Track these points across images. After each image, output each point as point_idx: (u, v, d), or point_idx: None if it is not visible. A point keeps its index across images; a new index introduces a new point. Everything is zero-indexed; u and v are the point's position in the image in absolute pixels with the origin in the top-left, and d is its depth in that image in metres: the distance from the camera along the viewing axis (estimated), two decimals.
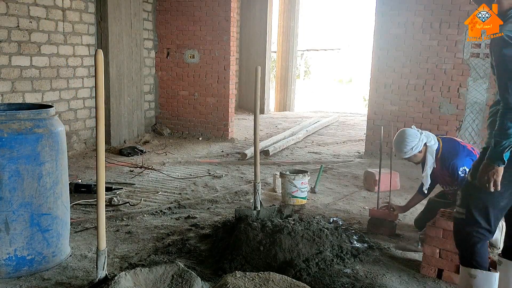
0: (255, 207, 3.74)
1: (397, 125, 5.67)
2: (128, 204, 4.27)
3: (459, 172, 3.35)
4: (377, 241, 3.61)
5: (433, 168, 3.53)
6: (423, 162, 3.59)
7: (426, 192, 3.71)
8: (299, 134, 8.16)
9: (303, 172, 4.62)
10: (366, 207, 4.38)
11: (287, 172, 4.61)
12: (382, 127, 4.06)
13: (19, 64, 5.42)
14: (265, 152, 6.60)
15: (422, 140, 3.46)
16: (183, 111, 8.01)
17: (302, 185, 4.45)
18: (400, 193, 4.86)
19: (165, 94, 8.13)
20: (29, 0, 5.45)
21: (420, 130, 3.54)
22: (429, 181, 3.56)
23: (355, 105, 14.92)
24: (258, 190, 3.72)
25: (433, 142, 3.48)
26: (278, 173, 5.04)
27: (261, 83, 11.26)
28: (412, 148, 3.45)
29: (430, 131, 3.70)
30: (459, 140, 3.64)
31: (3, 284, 2.77)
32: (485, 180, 2.27)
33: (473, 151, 3.48)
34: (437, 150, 3.49)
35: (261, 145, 6.98)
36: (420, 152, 3.49)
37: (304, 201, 4.49)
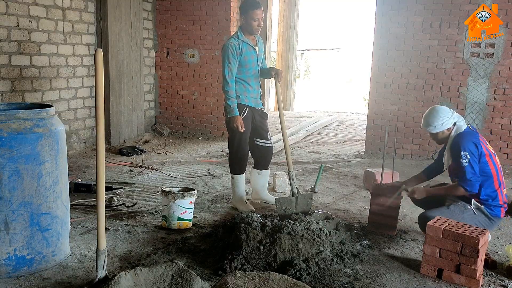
0: (293, 194, 3.97)
1: (397, 125, 5.66)
2: (124, 205, 4.27)
3: (461, 155, 3.33)
4: (377, 240, 3.61)
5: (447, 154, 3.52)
6: (445, 143, 3.56)
7: (445, 170, 3.65)
8: (299, 133, 8.16)
9: (190, 189, 3.89)
10: (366, 207, 4.37)
11: (173, 190, 3.86)
12: (386, 127, 4.05)
13: (19, 63, 5.41)
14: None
15: (453, 118, 3.43)
16: (183, 111, 8.01)
17: (190, 204, 3.74)
18: None
19: (165, 94, 8.12)
20: (29, 0, 5.45)
21: (452, 110, 3.50)
22: (450, 160, 3.50)
23: (355, 105, 14.92)
24: (293, 177, 4.04)
25: (463, 123, 3.46)
26: (278, 173, 5.04)
27: (264, 83, 11.27)
28: (442, 123, 3.42)
29: None
30: (482, 137, 3.58)
31: (3, 283, 2.76)
32: (234, 127, 4.03)
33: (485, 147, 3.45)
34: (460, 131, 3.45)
35: None
36: (448, 129, 3.46)
37: (190, 224, 3.78)
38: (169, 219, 3.69)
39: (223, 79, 4.04)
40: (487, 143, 3.61)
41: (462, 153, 3.34)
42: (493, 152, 3.57)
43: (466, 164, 3.33)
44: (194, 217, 4.03)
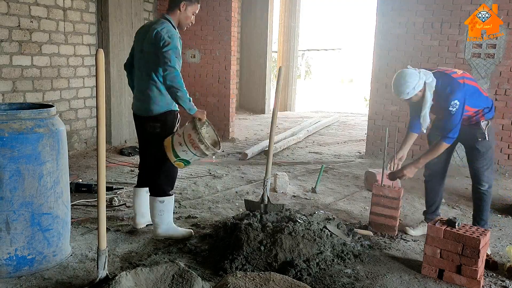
0: (263, 201, 3.79)
1: (397, 125, 5.65)
2: (125, 205, 4.27)
3: (450, 105, 3.34)
4: (378, 241, 3.61)
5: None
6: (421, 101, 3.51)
7: (424, 131, 3.66)
8: (300, 134, 8.15)
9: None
10: (367, 208, 4.37)
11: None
12: (387, 128, 4.05)
13: (20, 63, 5.42)
14: (265, 152, 6.60)
15: (422, 79, 3.39)
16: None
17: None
18: None
19: None
20: (30, 0, 5.45)
21: (417, 69, 3.47)
22: (428, 121, 3.49)
23: (356, 105, 14.91)
24: (267, 185, 3.78)
25: (431, 79, 3.42)
26: (279, 173, 5.04)
27: (265, 83, 11.28)
28: (414, 87, 3.37)
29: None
30: (449, 71, 3.55)
31: (4, 283, 2.77)
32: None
33: (463, 80, 3.43)
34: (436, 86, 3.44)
35: (262, 145, 6.98)
36: (420, 91, 3.42)
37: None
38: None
39: (174, 69, 3.14)
40: (461, 72, 3.55)
41: (452, 102, 3.32)
42: (470, 75, 3.61)
43: (454, 111, 3.33)
44: (194, 217, 4.03)
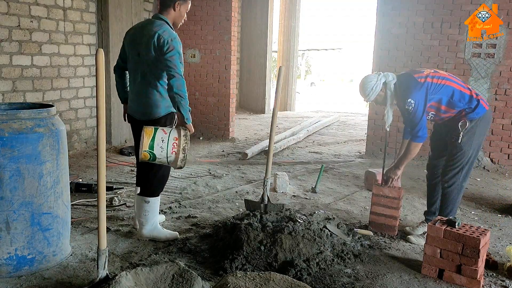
0: (263, 201, 3.79)
1: (397, 125, 5.65)
2: (125, 205, 4.27)
3: (406, 103, 3.41)
4: (378, 241, 3.61)
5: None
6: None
7: (388, 129, 3.73)
8: (300, 133, 8.15)
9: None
10: (367, 208, 4.37)
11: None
12: (387, 128, 4.03)
13: (20, 63, 5.42)
14: (265, 152, 6.60)
15: (380, 80, 3.51)
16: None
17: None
18: None
19: None
20: (30, 0, 5.45)
21: (380, 72, 3.60)
22: (390, 118, 3.61)
23: (356, 105, 14.92)
24: (267, 185, 3.79)
25: (391, 78, 3.52)
26: (279, 173, 5.04)
27: (265, 83, 11.29)
28: (372, 88, 3.51)
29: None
30: (417, 70, 3.59)
31: (4, 283, 2.77)
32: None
33: (426, 79, 3.44)
34: (395, 85, 3.53)
35: (262, 144, 6.99)
36: (381, 91, 3.54)
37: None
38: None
39: (180, 77, 3.15)
40: (432, 72, 3.55)
41: (407, 101, 3.40)
42: (448, 74, 3.57)
43: (411, 110, 3.40)
44: (194, 217, 4.04)
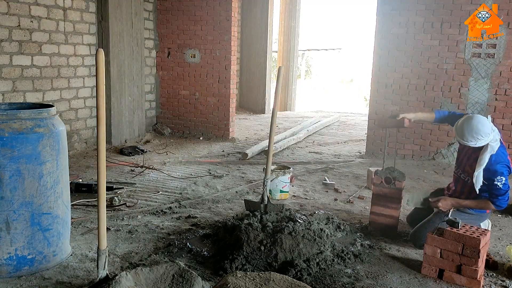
0: (263, 201, 3.80)
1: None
2: (125, 205, 4.27)
3: (496, 179, 3.26)
4: (378, 241, 3.61)
5: (466, 148, 3.45)
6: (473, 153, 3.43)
7: (477, 192, 3.39)
8: (300, 134, 8.15)
9: (287, 167, 4.88)
10: (367, 207, 4.37)
11: (274, 168, 4.78)
12: (387, 128, 4.03)
13: (20, 63, 5.42)
14: (265, 152, 6.60)
15: (489, 139, 3.28)
16: (184, 111, 8.01)
17: (288, 179, 4.76)
18: None
19: (166, 94, 8.12)
20: (30, 0, 5.45)
21: (492, 126, 3.34)
22: (480, 181, 3.31)
23: (356, 105, 14.92)
24: (267, 185, 3.81)
25: (497, 143, 3.32)
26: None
27: (265, 83, 11.28)
28: (479, 140, 3.27)
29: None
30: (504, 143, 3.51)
31: (4, 283, 2.77)
32: None
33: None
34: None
35: (262, 144, 6.98)
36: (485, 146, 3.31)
37: (288, 195, 4.72)
38: (273, 192, 4.60)
39: None
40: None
41: (498, 177, 3.25)
42: None
43: (501, 185, 3.26)
44: (194, 217, 4.04)
